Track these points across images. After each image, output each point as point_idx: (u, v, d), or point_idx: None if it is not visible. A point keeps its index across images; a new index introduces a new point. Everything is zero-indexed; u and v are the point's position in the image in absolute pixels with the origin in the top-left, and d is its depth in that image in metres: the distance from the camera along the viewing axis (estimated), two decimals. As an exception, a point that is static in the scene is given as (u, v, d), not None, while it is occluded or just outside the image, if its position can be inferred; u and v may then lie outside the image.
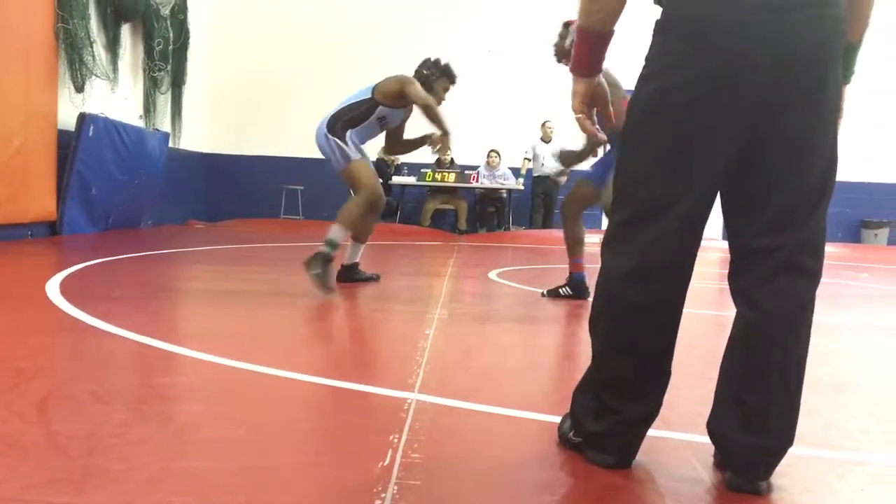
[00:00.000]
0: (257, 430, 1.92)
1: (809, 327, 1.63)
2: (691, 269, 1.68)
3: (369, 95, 4.80)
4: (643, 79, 1.62)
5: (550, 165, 10.91)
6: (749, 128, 1.54)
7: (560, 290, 4.61)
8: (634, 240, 1.64)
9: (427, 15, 11.63)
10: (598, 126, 1.80)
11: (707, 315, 4.29)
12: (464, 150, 11.21)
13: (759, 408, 1.60)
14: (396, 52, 11.66)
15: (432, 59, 5.05)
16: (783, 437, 1.61)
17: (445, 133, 4.63)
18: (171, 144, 10.13)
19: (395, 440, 1.82)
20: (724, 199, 1.66)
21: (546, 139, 10.93)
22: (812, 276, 1.61)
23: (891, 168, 11.60)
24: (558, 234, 10.54)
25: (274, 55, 11.67)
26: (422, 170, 10.83)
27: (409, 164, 11.15)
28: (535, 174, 11.01)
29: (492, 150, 11.19)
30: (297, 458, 1.73)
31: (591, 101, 1.78)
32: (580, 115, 1.79)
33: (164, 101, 10.25)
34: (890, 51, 10.42)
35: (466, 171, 10.80)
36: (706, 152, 1.57)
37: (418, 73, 4.94)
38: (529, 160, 11.10)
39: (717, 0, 1.51)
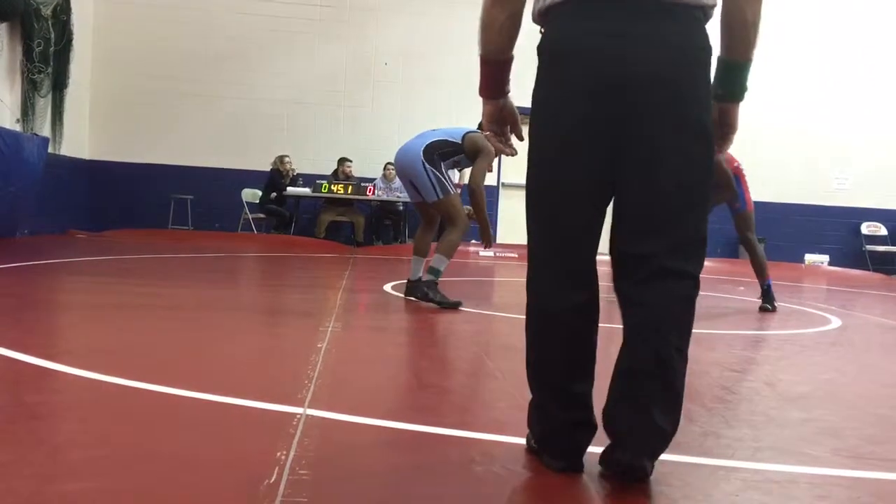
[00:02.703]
0: (136, 450, 1.83)
1: (688, 322, 1.73)
2: (594, 280, 1.77)
3: (460, 141, 4.98)
4: (531, 98, 1.78)
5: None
6: (607, 141, 1.68)
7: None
8: (541, 247, 1.79)
9: (322, 24, 11.54)
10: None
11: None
12: (360, 163, 11.18)
13: (643, 396, 1.67)
14: (290, 59, 11.54)
15: None
16: (665, 423, 1.68)
17: (485, 228, 5.11)
18: (50, 150, 9.64)
19: (283, 457, 1.78)
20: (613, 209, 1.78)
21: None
22: (683, 275, 1.71)
23: (764, 187, 12.27)
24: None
25: (163, 60, 11.29)
26: (317, 181, 10.71)
27: (304, 176, 11.02)
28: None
29: (388, 163, 11.19)
30: (177, 478, 1.67)
31: (501, 121, 1.92)
32: (488, 133, 1.95)
33: (44, 104, 9.75)
34: (761, 72, 11.06)
35: (363, 184, 10.75)
36: (575, 164, 1.71)
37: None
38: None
39: (577, 28, 1.68)
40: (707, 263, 1.79)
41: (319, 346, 3.24)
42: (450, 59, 11.54)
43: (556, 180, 1.73)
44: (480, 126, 4.97)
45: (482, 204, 4.98)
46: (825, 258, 12.02)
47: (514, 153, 1.97)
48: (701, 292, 1.76)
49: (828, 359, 3.99)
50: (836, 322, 5.33)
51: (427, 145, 4.93)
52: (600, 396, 1.76)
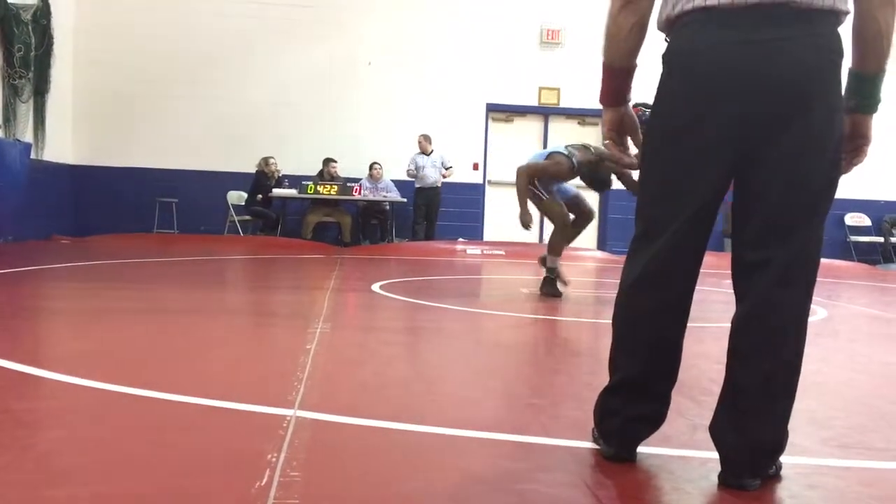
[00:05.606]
0: (125, 456, 1.82)
1: (799, 335, 1.74)
2: (690, 281, 1.83)
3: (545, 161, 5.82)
4: (651, 109, 1.80)
5: (430, 176, 10.98)
6: (733, 151, 1.69)
7: None
8: (642, 252, 1.81)
9: (305, 24, 11.50)
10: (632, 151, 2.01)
11: (586, 323, 4.43)
12: (346, 164, 11.15)
13: (746, 415, 1.71)
14: (274, 60, 11.49)
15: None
16: (770, 437, 1.72)
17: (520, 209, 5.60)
18: (33, 156, 9.57)
19: (273, 459, 1.78)
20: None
21: (425, 151, 11.01)
22: (797, 287, 1.71)
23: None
24: (440, 245, 10.68)
25: (145, 62, 11.22)
26: (303, 182, 10.68)
27: (289, 177, 10.98)
28: (417, 186, 11.06)
29: (375, 163, 11.17)
30: (167, 482, 1.66)
31: (621, 129, 1.92)
32: (608, 142, 1.95)
33: (25, 109, 9.68)
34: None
35: (349, 184, 10.72)
36: (695, 176, 1.73)
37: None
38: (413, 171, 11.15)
39: (706, 35, 1.67)
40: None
41: (308, 347, 3.23)
42: (433, 59, 11.54)
43: (672, 192, 1.75)
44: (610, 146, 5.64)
45: (520, 185, 5.62)
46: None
47: (632, 162, 1.96)
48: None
49: (814, 349, 4.00)
50: (821, 313, 5.36)
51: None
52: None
